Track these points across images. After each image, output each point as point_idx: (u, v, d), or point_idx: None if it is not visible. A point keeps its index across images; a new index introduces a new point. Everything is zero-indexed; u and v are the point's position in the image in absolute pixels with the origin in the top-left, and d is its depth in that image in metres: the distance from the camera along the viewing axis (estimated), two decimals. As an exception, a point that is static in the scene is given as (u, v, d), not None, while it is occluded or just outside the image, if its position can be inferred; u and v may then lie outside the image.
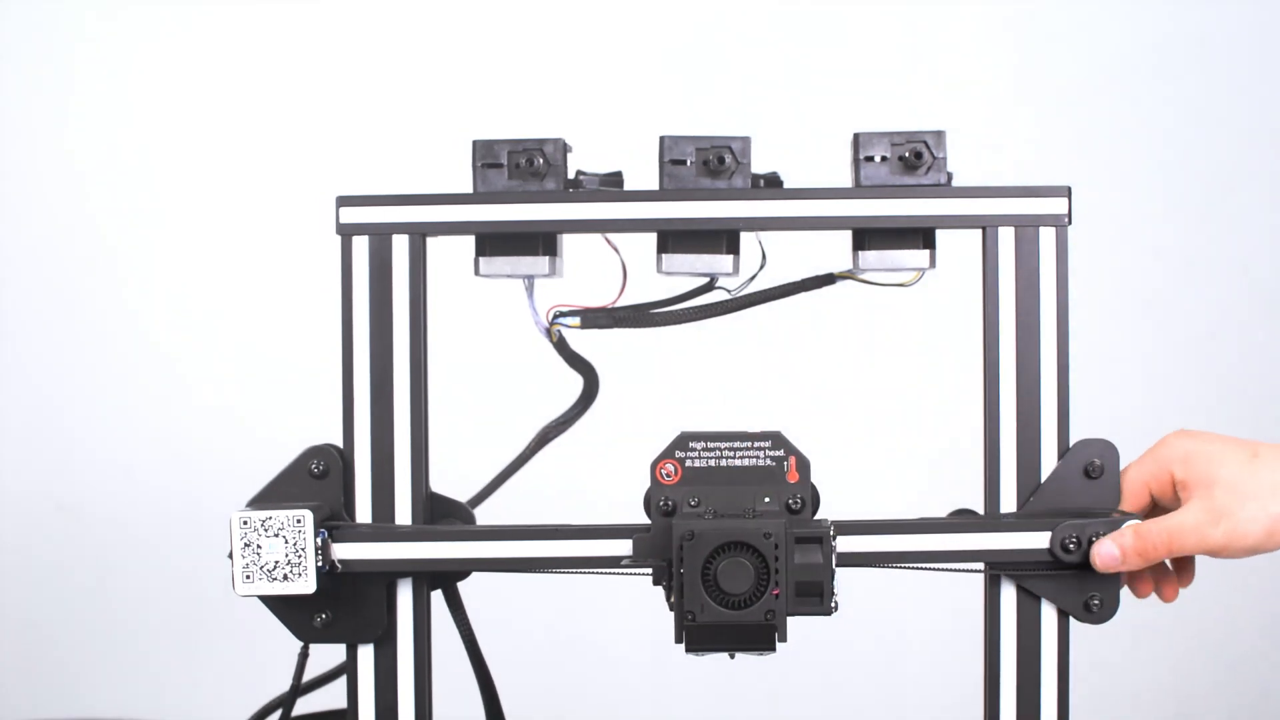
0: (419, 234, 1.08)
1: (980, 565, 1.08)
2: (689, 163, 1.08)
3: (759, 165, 1.10)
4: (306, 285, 2.00)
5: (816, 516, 1.06)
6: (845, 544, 1.05)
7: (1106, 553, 1.05)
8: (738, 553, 1.00)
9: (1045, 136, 2.09)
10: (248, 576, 1.04)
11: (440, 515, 1.11)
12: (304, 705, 1.17)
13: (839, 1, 2.10)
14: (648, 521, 1.06)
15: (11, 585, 2.12)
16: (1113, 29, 2.09)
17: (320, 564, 1.05)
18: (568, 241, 1.14)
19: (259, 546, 1.04)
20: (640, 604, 1.95)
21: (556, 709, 2.09)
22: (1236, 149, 2.10)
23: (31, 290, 2.12)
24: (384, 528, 1.08)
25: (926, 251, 1.08)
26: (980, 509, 1.09)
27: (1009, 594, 1.08)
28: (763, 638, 1.02)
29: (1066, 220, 1.07)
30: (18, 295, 2.12)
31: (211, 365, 2.12)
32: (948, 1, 2.10)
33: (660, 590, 1.04)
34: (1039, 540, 1.05)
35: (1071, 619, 1.07)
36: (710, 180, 1.08)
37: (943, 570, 1.08)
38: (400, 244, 1.08)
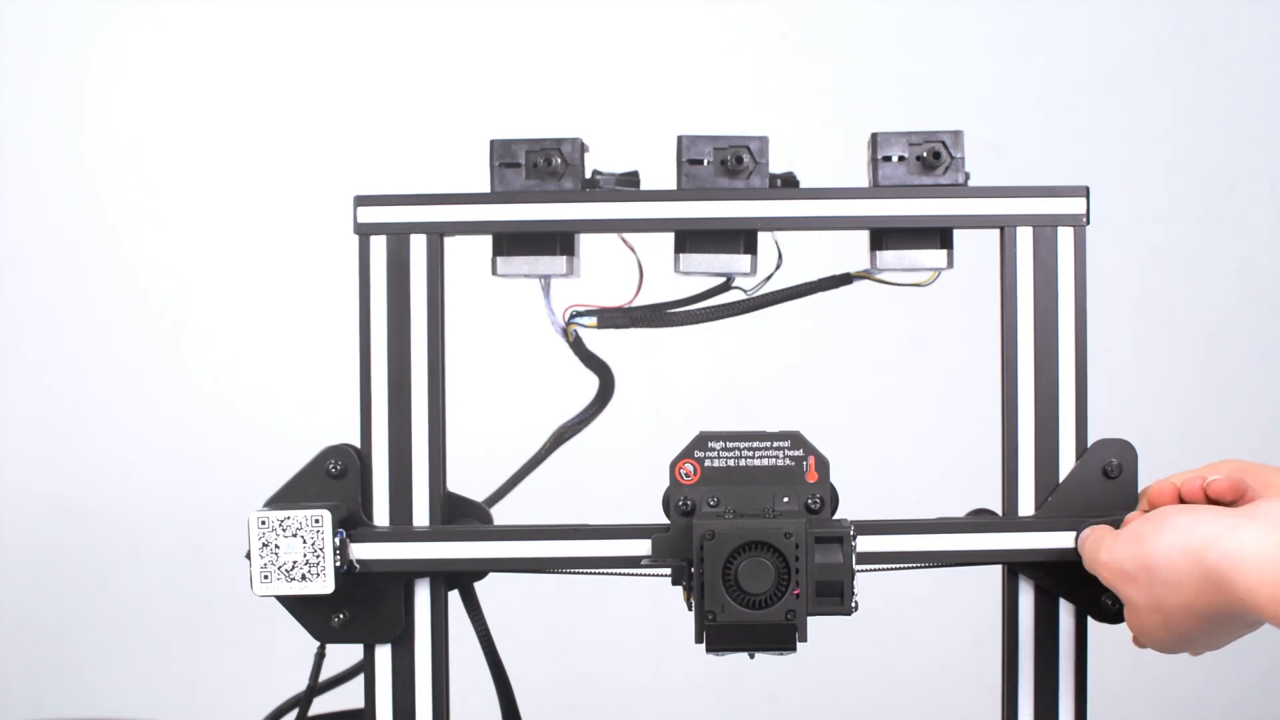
0: (437, 234, 1.08)
1: (999, 565, 1.08)
2: (706, 162, 1.08)
3: (776, 165, 1.10)
4: (323, 285, 2.00)
5: (835, 516, 1.06)
6: (865, 544, 1.05)
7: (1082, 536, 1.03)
8: (758, 552, 1.00)
9: (1044, 137, 2.09)
10: (266, 576, 1.04)
11: (457, 515, 1.11)
12: (320, 705, 1.17)
13: (851, 2, 2.10)
14: (666, 521, 1.06)
15: (11, 585, 2.11)
16: (1113, 29, 2.09)
17: (339, 564, 1.05)
18: (584, 241, 1.14)
19: (277, 546, 1.04)
20: (648, 604, 1.97)
21: (570, 708, 2.08)
22: (1237, 149, 2.10)
23: (38, 290, 2.11)
24: (402, 528, 1.08)
25: (944, 251, 1.08)
26: (998, 509, 1.09)
27: (1027, 595, 1.08)
28: (783, 637, 1.01)
29: (1085, 220, 1.07)
30: (24, 294, 2.11)
31: (224, 365, 2.11)
32: (946, 2, 2.10)
33: (668, 591, 1.04)
34: (1061, 540, 1.05)
35: (1090, 620, 1.07)
36: (728, 180, 1.08)
37: (962, 569, 1.08)
38: (418, 244, 1.08)
